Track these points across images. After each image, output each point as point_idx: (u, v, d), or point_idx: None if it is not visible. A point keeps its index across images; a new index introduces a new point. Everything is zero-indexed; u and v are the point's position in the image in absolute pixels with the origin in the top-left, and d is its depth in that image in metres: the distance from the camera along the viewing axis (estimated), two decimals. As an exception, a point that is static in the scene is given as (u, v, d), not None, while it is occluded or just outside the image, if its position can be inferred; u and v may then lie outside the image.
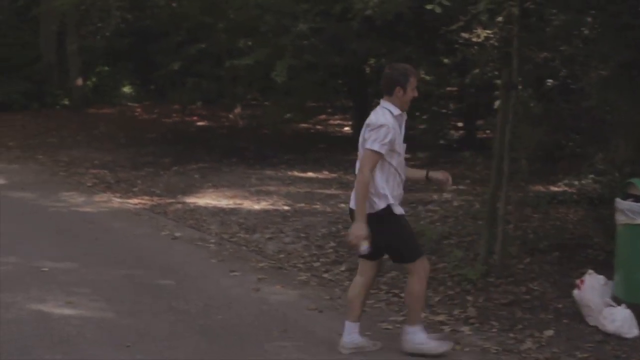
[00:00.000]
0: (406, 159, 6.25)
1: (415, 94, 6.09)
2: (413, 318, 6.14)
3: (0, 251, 9.01)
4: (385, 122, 5.89)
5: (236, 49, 18.27)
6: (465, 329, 6.82)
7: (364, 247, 5.84)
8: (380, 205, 5.92)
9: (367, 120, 5.98)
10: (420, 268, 6.06)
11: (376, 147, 5.84)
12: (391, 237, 6.02)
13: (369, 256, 6.05)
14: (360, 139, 6.05)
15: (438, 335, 6.48)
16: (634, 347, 6.35)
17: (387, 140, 5.86)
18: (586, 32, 8.36)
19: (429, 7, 6.88)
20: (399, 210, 6.01)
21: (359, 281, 6.23)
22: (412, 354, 6.09)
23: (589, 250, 9.08)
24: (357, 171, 6.05)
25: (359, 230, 5.84)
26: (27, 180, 14.07)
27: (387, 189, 5.96)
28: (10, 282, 7.89)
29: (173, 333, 6.57)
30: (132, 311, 7.13)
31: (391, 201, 5.95)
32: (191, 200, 12.44)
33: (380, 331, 6.72)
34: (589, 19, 8.13)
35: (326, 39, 14.68)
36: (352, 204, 6.10)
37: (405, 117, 6.13)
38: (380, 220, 5.92)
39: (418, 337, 6.09)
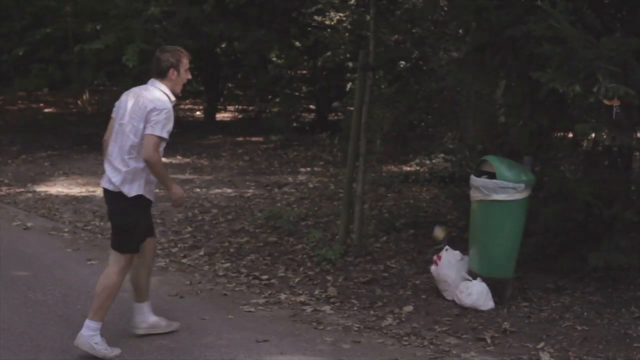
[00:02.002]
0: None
1: (189, 75, 5.94)
2: (102, 313, 5.77)
3: None
4: (169, 107, 5.69)
5: (83, 33, 17.80)
6: (327, 309, 6.88)
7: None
8: (139, 191, 5.70)
9: (150, 105, 5.61)
10: (129, 263, 5.85)
11: (164, 134, 5.63)
12: (133, 222, 5.79)
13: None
14: (126, 118, 5.72)
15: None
16: (489, 319, 6.57)
17: (170, 126, 5.70)
18: (439, 15, 8.53)
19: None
20: (151, 197, 5.86)
21: (138, 262, 5.96)
22: (85, 352, 5.70)
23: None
24: (112, 154, 5.75)
25: (179, 191, 5.90)
26: None
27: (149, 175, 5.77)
28: None
29: (31, 324, 6.36)
30: (-14, 305, 6.86)
31: (145, 190, 5.75)
32: (42, 189, 12.10)
33: (243, 314, 6.71)
34: (442, 2, 8.31)
35: (178, 22, 14.50)
36: (106, 185, 5.79)
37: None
38: (133, 204, 5.73)
39: (97, 337, 5.72)
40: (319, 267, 7.99)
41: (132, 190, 5.67)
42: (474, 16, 7.54)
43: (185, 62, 5.83)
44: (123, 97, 5.87)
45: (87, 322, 5.71)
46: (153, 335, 6.09)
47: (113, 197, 5.76)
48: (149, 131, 5.59)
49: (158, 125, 5.59)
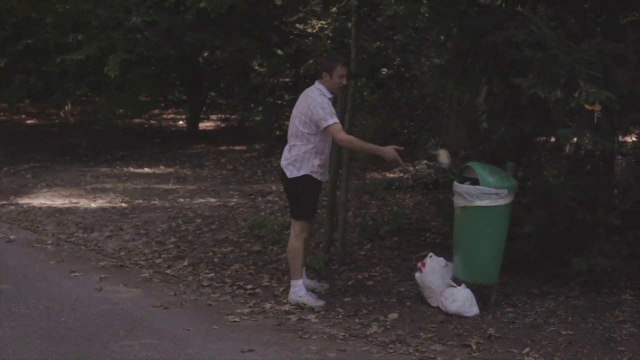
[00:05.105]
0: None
1: (344, 81, 7.12)
2: (297, 272, 7.24)
3: None
4: (322, 99, 6.94)
5: (64, 44, 17.77)
6: (312, 317, 6.87)
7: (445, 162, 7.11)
8: (302, 172, 7.09)
9: (312, 103, 6.93)
10: (304, 229, 7.31)
11: (335, 119, 6.91)
12: (299, 195, 7.19)
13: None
14: (294, 112, 7.17)
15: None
16: (474, 325, 6.56)
17: (331, 110, 6.93)
18: (420, 21, 8.55)
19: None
20: (321, 178, 7.23)
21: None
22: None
23: (426, 234, 9.34)
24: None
25: (389, 150, 6.99)
26: None
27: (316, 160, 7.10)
28: None
29: (15, 338, 6.31)
30: (-32, 319, 6.80)
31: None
32: (25, 201, 12.05)
33: (228, 324, 6.68)
34: (423, 9, 8.33)
35: (160, 32, 14.49)
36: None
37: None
38: (298, 183, 7.12)
39: (301, 291, 7.22)
40: (303, 276, 7.97)
41: (302, 171, 7.08)
42: (455, 22, 7.57)
43: (339, 69, 7.00)
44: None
45: (291, 282, 7.25)
46: (137, 347, 6.08)
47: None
48: (323, 125, 6.87)
49: (325, 116, 6.84)
